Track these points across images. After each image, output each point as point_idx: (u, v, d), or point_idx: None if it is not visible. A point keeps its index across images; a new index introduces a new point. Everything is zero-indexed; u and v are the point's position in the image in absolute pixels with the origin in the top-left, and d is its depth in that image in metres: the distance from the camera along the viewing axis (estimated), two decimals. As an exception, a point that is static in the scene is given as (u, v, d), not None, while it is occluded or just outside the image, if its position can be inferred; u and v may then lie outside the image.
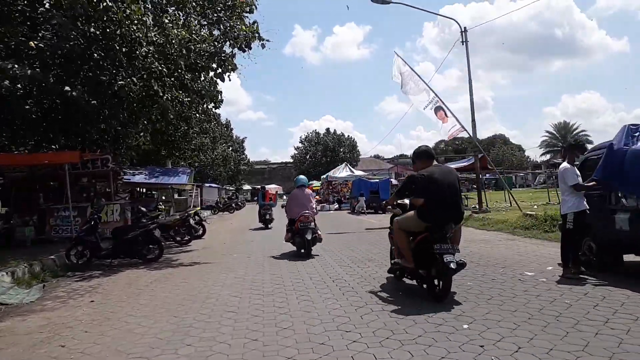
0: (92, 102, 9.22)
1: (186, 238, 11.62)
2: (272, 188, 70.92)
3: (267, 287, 5.81)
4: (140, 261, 8.71)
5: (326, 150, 55.88)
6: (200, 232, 13.22)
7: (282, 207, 10.32)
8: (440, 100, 15.24)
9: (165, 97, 9.57)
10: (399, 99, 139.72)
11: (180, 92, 10.37)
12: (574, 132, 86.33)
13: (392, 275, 5.47)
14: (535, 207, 17.63)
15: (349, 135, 58.93)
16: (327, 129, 59.35)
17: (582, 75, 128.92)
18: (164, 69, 9.46)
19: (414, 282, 5.09)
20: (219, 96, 22.62)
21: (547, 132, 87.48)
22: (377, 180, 23.76)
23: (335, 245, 10.07)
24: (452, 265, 4.27)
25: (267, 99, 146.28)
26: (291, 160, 61.48)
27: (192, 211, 12.82)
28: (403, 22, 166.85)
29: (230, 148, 47.48)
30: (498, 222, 12.50)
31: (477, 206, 15.43)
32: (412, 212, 4.90)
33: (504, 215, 13.82)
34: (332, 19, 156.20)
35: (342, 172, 29.86)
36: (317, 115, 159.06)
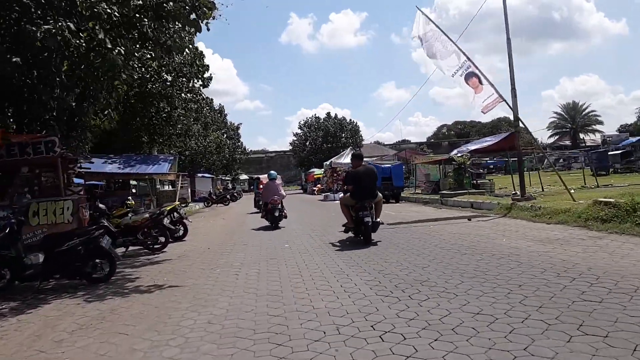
0: (14, 59, 6.58)
1: (160, 242, 9.09)
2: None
3: (262, 344, 3.27)
4: (85, 282, 6.20)
5: (327, 136, 53.11)
6: (181, 232, 10.70)
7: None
8: (474, 64, 12.59)
9: (116, 50, 6.90)
10: (396, 85, 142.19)
11: (139, 45, 7.69)
12: (583, 113, 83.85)
13: (344, 231, 8.76)
14: (572, 190, 15.19)
15: (350, 120, 56.15)
16: (328, 114, 56.53)
17: (580, 57, 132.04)
18: (115, 12, 6.78)
19: (352, 234, 8.55)
20: (205, 71, 20.04)
21: (556, 113, 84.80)
22: (389, 165, 21.19)
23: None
24: (367, 221, 7.67)
25: (263, 88, 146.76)
26: (290, 148, 58.64)
27: (168, 207, 10.27)
28: (399, 7, 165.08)
29: (225, 135, 44.77)
30: (556, 212, 9.94)
31: (519, 192, 12.89)
32: (348, 194, 8.54)
33: (557, 202, 11.28)
34: (328, 6, 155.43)
35: (346, 158, 27.24)
36: (314, 103, 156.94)
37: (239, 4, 31.56)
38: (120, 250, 8.70)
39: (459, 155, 17.29)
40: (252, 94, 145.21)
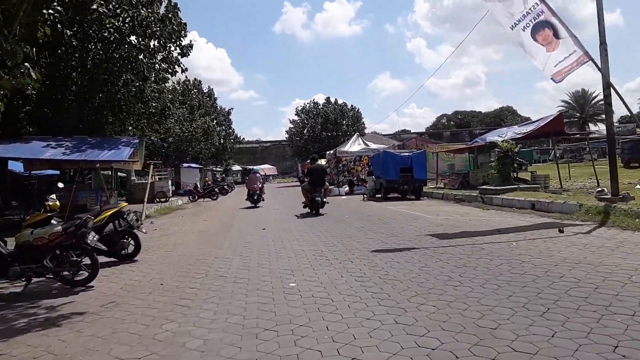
0: None
1: (82, 273, 5.60)
2: (264, 169, 65.00)
3: None
4: None
5: (327, 123, 49.38)
6: (131, 249, 7.25)
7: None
8: (549, 8, 9.11)
9: None
10: (391, 75, 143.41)
11: None
12: (593, 102, 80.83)
13: (303, 207, 13.45)
14: (639, 187, 11.99)
15: (352, 106, 52.34)
16: (327, 98, 52.68)
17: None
18: None
19: (308, 209, 13.00)
20: (183, 32, 16.40)
21: (564, 101, 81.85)
22: (409, 154, 17.78)
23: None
24: (317, 200, 12.56)
25: (258, 77, 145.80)
26: (286, 137, 54.86)
27: (107, 212, 6.78)
28: None
29: (215, 121, 41.05)
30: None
31: (606, 189, 9.55)
32: (306, 183, 13.28)
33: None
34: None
35: (353, 145, 23.83)
36: (308, 94, 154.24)
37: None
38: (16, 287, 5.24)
39: (503, 140, 13.89)
40: (247, 84, 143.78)
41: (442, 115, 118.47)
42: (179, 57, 16.60)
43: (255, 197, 17.47)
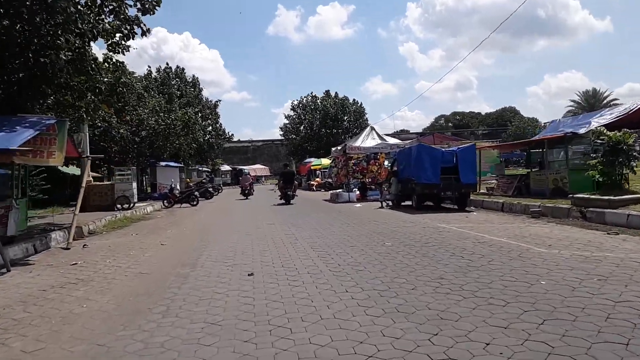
0: None
1: None
2: (255, 169, 60.40)
3: None
4: None
5: (326, 119, 44.80)
6: None
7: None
8: None
9: None
10: (383, 79, 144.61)
11: None
12: (604, 101, 77.75)
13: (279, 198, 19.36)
14: None
15: (354, 100, 47.79)
16: (327, 91, 47.96)
17: (565, 54, 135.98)
18: None
19: (283, 200, 18.65)
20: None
21: (573, 101, 78.61)
22: (454, 149, 13.42)
23: None
24: (289, 193, 18.64)
25: (250, 79, 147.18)
26: (280, 134, 50.15)
27: None
28: (387, 1, 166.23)
29: (200, 115, 36.36)
30: None
31: None
32: (281, 182, 19.83)
33: None
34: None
35: (366, 140, 19.37)
36: (301, 96, 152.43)
37: None
38: None
39: (604, 129, 9.58)
40: (240, 85, 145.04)
41: (440, 115, 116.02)
42: (139, 14, 12.06)
43: (247, 192, 25.23)
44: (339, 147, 20.74)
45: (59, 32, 10.44)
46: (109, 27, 11.78)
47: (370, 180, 19.17)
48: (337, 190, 20.31)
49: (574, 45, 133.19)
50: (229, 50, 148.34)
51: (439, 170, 12.70)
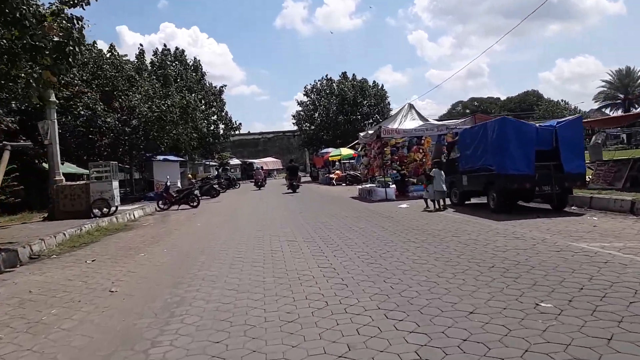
0: None
1: None
2: (266, 162, 56.66)
3: None
4: None
5: (343, 104, 40.67)
6: None
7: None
8: None
9: None
10: (393, 68, 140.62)
11: None
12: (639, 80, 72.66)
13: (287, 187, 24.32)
14: None
15: (374, 82, 43.47)
16: (344, 73, 43.68)
17: (577, 38, 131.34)
18: None
19: (290, 191, 23.03)
20: None
21: (604, 81, 73.57)
22: (551, 123, 9.54)
23: None
24: (295, 184, 23.54)
25: (259, 72, 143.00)
26: (293, 122, 46.22)
27: None
28: None
29: (203, 101, 32.74)
30: None
31: None
32: (287, 174, 25.90)
33: None
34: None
35: (405, 121, 15.48)
36: (314, 79, 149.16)
37: None
38: None
39: None
40: (249, 79, 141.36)
41: (457, 102, 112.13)
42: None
43: (259, 184, 29.14)
44: (370, 131, 16.81)
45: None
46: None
47: (415, 171, 15.28)
48: (368, 185, 16.50)
49: (586, 29, 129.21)
50: (238, 44, 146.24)
51: (533, 156, 8.86)
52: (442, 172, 10.91)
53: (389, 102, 42.52)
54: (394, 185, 15.17)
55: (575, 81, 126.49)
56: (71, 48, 8.57)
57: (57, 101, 14.86)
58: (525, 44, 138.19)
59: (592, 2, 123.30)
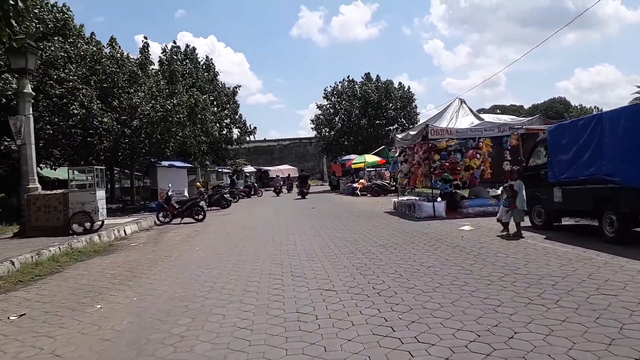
0: None
1: None
2: (283, 170, 54.18)
3: None
4: None
5: (367, 107, 37.82)
6: None
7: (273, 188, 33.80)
8: None
9: None
10: (409, 77, 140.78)
11: None
12: (678, 85, 68.29)
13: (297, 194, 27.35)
14: None
15: (400, 84, 40.55)
16: (367, 74, 40.84)
17: (596, 47, 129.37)
18: None
19: (300, 197, 25.89)
20: None
21: (639, 86, 69.56)
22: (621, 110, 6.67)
23: None
24: (304, 191, 26.50)
25: (276, 81, 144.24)
26: (312, 127, 43.43)
27: None
28: None
29: (215, 103, 30.36)
30: None
31: None
32: (299, 182, 29.04)
33: None
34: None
35: (456, 118, 12.64)
36: (335, 81, 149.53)
37: None
38: None
39: None
40: (265, 87, 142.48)
41: (479, 109, 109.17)
42: None
43: (278, 191, 31.74)
44: (411, 132, 13.80)
45: None
46: None
47: (469, 182, 12.35)
48: (408, 199, 13.63)
49: (605, 38, 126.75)
50: (254, 54, 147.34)
51: (605, 148, 6.01)
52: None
53: (415, 106, 39.52)
54: (441, 202, 12.28)
55: (595, 91, 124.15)
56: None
57: (33, 93, 12.41)
58: (542, 53, 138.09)
59: (611, 10, 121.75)
